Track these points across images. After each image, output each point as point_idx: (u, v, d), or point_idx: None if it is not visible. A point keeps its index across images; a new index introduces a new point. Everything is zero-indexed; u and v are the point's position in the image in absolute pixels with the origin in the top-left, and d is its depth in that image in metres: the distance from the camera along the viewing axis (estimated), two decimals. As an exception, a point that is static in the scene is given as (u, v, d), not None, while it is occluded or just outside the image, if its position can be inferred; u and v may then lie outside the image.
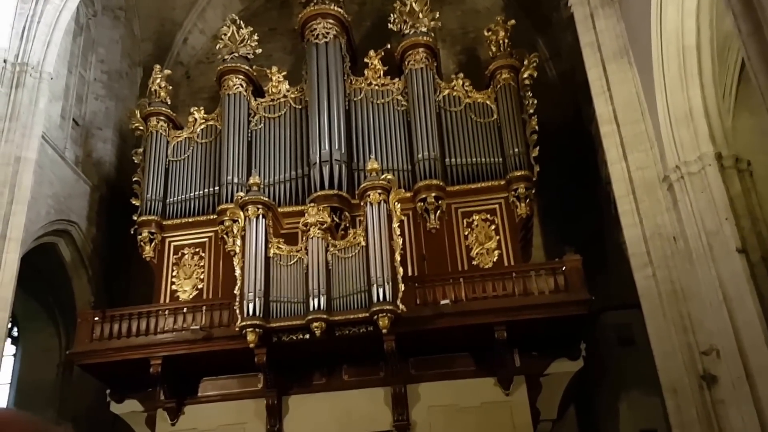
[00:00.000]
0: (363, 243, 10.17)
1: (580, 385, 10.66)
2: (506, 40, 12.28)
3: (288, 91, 12.78)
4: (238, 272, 10.36)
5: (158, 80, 13.02)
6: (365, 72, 12.64)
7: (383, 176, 10.63)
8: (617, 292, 10.21)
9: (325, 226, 10.45)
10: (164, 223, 12.07)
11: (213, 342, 10.44)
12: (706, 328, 7.85)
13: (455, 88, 12.34)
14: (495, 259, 11.08)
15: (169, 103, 13.02)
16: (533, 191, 11.34)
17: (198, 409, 10.94)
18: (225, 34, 12.99)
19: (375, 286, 9.71)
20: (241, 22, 13.17)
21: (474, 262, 11.11)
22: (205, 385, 11.09)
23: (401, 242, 10.37)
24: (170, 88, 13.22)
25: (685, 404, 7.89)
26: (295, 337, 10.10)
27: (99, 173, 13.68)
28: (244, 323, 9.89)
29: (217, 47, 13.37)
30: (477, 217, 11.39)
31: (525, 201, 11.20)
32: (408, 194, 11.33)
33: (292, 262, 10.36)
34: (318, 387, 10.81)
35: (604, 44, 9.71)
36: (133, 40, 15.13)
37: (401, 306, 9.74)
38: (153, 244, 11.95)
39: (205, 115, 12.93)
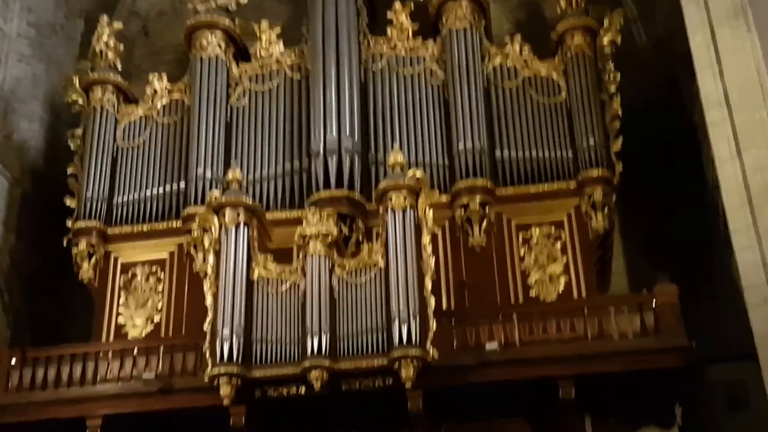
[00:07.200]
0: (381, 264, 10.44)
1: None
2: (581, -8, 12.62)
3: (283, 54, 13.10)
4: (209, 301, 10.62)
5: (105, 37, 13.38)
6: (388, 31, 12.95)
7: (410, 173, 10.83)
8: (728, 337, 10.40)
9: (329, 239, 10.71)
10: (109, 231, 12.37)
11: (173, 396, 10.66)
12: None
13: (510, 55, 12.61)
14: (561, 290, 11.32)
15: (119, 68, 13.39)
16: (614, 198, 11.56)
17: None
18: (198, -23, 13.31)
19: (397, 322, 9.88)
20: (220, -39, 13.54)
21: (532, 293, 11.37)
22: (161, 456, 11.31)
23: (433, 264, 10.57)
24: (121, 47, 13.56)
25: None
26: (286, 392, 10.35)
27: (21, 162, 13.84)
28: (216, 371, 10.09)
29: (186, -6, 13.68)
30: (537, 232, 11.66)
31: (603, 210, 11.42)
32: (444, 198, 11.60)
33: (284, 288, 10.63)
34: (316, 462, 11.03)
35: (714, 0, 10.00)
36: (72, -18, 15.48)
37: (432, 351, 9.96)
38: (93, 260, 12.22)
39: (168, 85, 13.26)
